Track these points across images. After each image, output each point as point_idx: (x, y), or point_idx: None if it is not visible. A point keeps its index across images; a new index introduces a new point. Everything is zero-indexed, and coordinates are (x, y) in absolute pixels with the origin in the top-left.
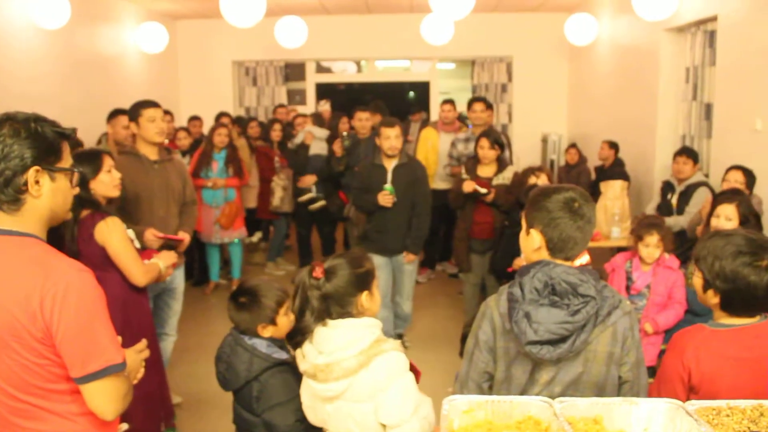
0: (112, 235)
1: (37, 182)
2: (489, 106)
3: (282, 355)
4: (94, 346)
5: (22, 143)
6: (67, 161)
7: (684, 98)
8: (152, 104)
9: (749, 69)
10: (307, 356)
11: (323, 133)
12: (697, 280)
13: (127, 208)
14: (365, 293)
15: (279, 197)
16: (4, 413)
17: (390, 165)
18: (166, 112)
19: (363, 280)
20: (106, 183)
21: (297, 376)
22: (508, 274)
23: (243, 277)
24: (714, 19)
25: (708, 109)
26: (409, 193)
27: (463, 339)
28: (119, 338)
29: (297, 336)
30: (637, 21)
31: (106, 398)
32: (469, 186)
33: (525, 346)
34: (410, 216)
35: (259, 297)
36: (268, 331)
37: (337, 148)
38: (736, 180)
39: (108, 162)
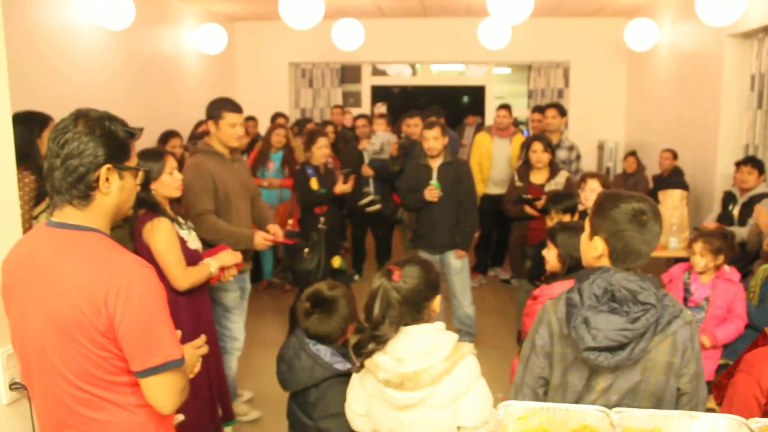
0: (156, 235)
1: (107, 180)
2: (562, 113)
3: (344, 366)
4: (155, 342)
5: (96, 141)
6: (133, 160)
7: (749, 106)
8: (235, 108)
9: None
10: (381, 365)
11: (393, 138)
12: None
13: (219, 210)
14: (438, 296)
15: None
16: (69, 402)
17: (435, 164)
18: (250, 118)
19: (436, 283)
20: (168, 184)
21: None
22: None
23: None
24: None
25: None
26: (455, 191)
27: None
28: (178, 332)
29: (369, 345)
30: (700, 26)
31: (165, 392)
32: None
33: (583, 353)
34: (456, 213)
35: (336, 304)
36: (341, 337)
37: (394, 148)
38: None
39: (171, 163)
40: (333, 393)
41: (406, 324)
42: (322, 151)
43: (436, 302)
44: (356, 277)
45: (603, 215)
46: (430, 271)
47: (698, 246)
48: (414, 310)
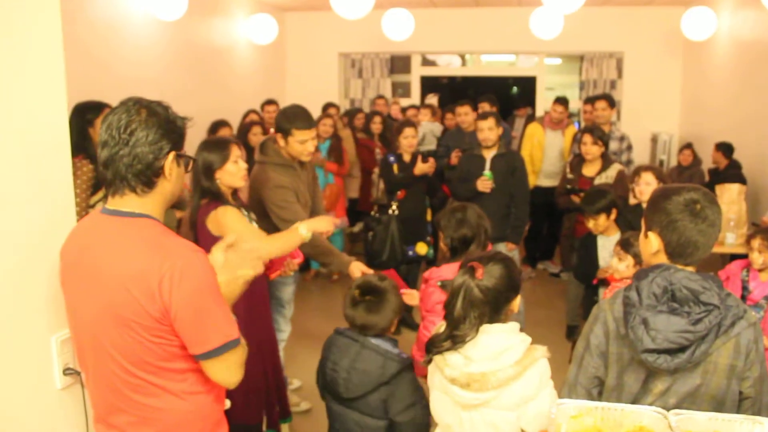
0: (226, 222)
1: (170, 167)
2: (612, 104)
3: (405, 355)
4: (212, 324)
5: (162, 130)
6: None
7: None
8: (306, 125)
9: None
10: (450, 361)
11: (438, 128)
12: None
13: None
14: (518, 297)
15: (380, 189)
16: (122, 388)
17: (488, 155)
18: (271, 102)
19: (518, 283)
20: (233, 173)
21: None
22: (594, 285)
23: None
24: None
25: None
26: (507, 183)
27: (568, 337)
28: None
29: (446, 342)
30: (763, 14)
31: (228, 371)
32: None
33: (641, 354)
34: (508, 206)
35: (386, 293)
36: (392, 326)
37: (455, 158)
38: None
39: (236, 152)
40: (405, 384)
41: (490, 322)
42: (408, 141)
43: (516, 302)
44: None
45: (656, 209)
46: (512, 269)
47: (756, 242)
48: (493, 310)
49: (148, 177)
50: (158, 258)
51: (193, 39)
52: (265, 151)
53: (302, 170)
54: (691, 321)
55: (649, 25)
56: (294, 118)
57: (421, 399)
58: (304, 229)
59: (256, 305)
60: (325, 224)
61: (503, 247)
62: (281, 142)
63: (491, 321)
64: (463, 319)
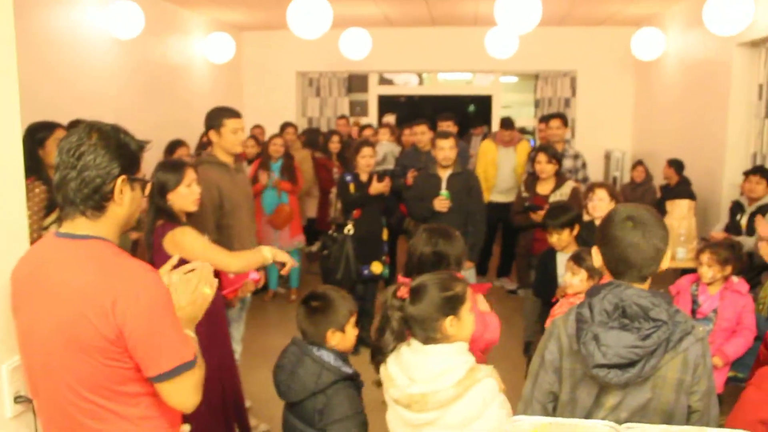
0: (185, 240)
1: (121, 191)
2: (566, 123)
3: (349, 370)
4: (167, 345)
5: (112, 153)
6: (141, 172)
7: (756, 115)
8: (235, 114)
9: None
10: (396, 382)
11: (397, 149)
12: None
13: (223, 221)
14: (450, 318)
15: (338, 208)
16: (75, 414)
17: (444, 174)
18: (257, 127)
19: (450, 305)
20: (185, 196)
21: (359, 392)
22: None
23: (302, 287)
24: None
25: None
26: (464, 202)
27: (525, 353)
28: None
29: (378, 355)
30: (708, 35)
31: (184, 394)
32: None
33: (592, 369)
34: (465, 224)
35: (332, 302)
36: (336, 338)
37: (410, 178)
38: None
39: (190, 175)
40: (340, 398)
41: (416, 338)
42: (365, 161)
43: (448, 323)
44: None
45: (600, 227)
46: (446, 290)
47: (705, 257)
48: (420, 328)
49: (96, 201)
50: (111, 279)
51: (150, 58)
52: (200, 156)
53: (237, 173)
54: (641, 336)
55: (602, 45)
56: (221, 111)
57: (356, 415)
58: (268, 253)
59: (215, 325)
60: (290, 259)
61: None
62: (215, 138)
63: (427, 341)
64: (382, 331)
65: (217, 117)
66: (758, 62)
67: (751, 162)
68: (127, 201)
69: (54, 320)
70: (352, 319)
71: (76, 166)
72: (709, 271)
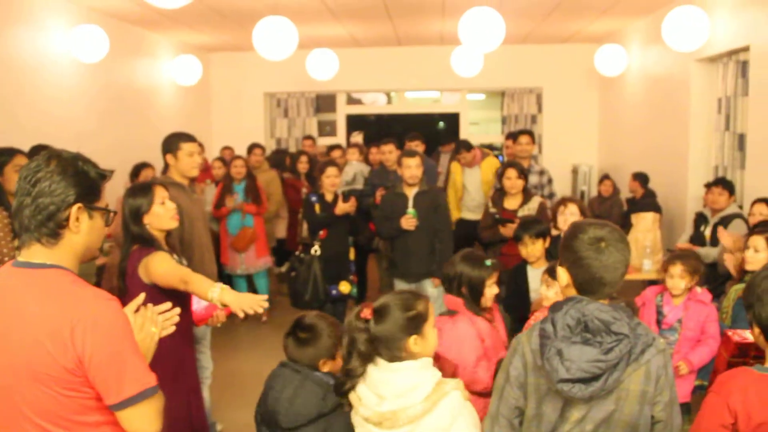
0: (157, 265)
1: (77, 219)
2: (534, 139)
3: None
4: (127, 372)
5: (68, 181)
6: (103, 201)
7: (716, 128)
8: (191, 138)
9: None
10: (365, 400)
11: (367, 169)
12: (755, 329)
13: (184, 240)
14: (413, 337)
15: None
16: None
17: (411, 193)
18: (227, 148)
19: (413, 324)
20: (161, 214)
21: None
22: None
23: (273, 308)
24: (746, 49)
25: (741, 140)
26: (431, 219)
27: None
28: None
29: (346, 383)
30: (668, 51)
31: (146, 420)
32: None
33: (556, 384)
34: (432, 242)
35: (320, 333)
36: (327, 366)
37: (378, 197)
38: (761, 213)
39: (161, 193)
40: (341, 421)
41: (381, 357)
42: (331, 180)
43: (411, 342)
44: None
45: (566, 246)
46: (408, 309)
47: (677, 269)
48: (385, 347)
49: (51, 228)
50: (69, 308)
51: (116, 80)
52: (156, 179)
53: (193, 193)
54: (603, 350)
55: (566, 62)
56: (177, 135)
57: None
58: (216, 294)
59: (183, 348)
60: (254, 304)
61: (429, 284)
62: (171, 161)
63: (392, 359)
64: (350, 355)
65: (173, 141)
66: (716, 77)
67: (713, 174)
68: (84, 229)
69: (11, 352)
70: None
71: (31, 192)
72: (681, 281)
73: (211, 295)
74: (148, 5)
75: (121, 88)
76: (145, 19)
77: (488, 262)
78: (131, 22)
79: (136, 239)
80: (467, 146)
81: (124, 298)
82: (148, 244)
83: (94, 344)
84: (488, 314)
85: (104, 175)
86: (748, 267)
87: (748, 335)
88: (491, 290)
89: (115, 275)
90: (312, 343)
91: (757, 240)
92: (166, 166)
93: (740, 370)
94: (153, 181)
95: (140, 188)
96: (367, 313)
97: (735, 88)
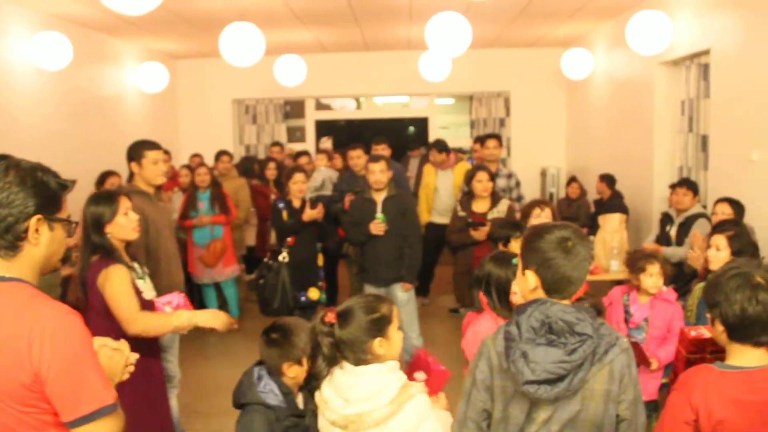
0: (110, 282)
1: (36, 230)
2: (501, 143)
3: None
4: (85, 388)
5: (27, 191)
6: (65, 212)
7: (680, 130)
8: (155, 146)
9: (743, 101)
10: (331, 404)
11: (335, 175)
12: (718, 327)
13: (150, 248)
14: (378, 339)
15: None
16: None
17: (379, 198)
18: (196, 155)
19: (377, 326)
20: (124, 225)
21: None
22: None
23: (244, 315)
24: (707, 52)
25: (704, 141)
26: (399, 224)
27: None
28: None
29: (312, 382)
30: (632, 55)
31: None
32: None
33: (522, 386)
34: (401, 246)
35: (291, 335)
36: (293, 371)
37: (347, 202)
38: (723, 212)
39: (125, 204)
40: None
41: (347, 361)
42: (298, 186)
43: (376, 344)
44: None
45: (531, 248)
46: (372, 312)
47: (656, 268)
48: (350, 351)
49: (9, 240)
50: (27, 322)
51: (80, 88)
52: (121, 187)
53: (158, 201)
54: (567, 351)
55: (533, 66)
56: (141, 143)
57: None
58: (186, 321)
59: (150, 366)
60: (220, 322)
61: (399, 288)
62: (136, 169)
63: (358, 362)
64: (315, 358)
65: (137, 149)
66: (679, 80)
67: (677, 175)
68: (44, 241)
69: None
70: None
71: None
72: (659, 280)
73: (177, 324)
74: (112, 12)
75: (86, 96)
76: (109, 26)
77: (515, 261)
78: (95, 28)
79: (97, 248)
80: (439, 146)
81: (86, 308)
82: (109, 254)
83: (52, 358)
84: None
85: (65, 186)
86: (711, 266)
87: (703, 331)
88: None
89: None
90: (280, 344)
91: (719, 239)
92: (132, 174)
93: (701, 367)
94: (117, 191)
95: (104, 196)
96: (331, 317)
97: (697, 91)
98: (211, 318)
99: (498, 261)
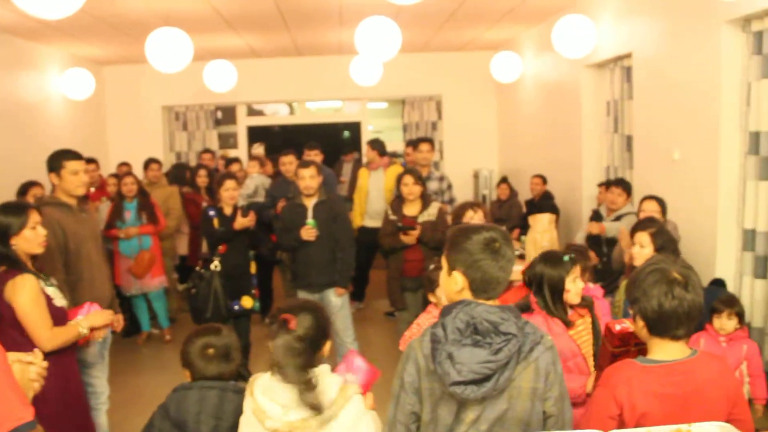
0: (19, 294)
1: None
2: (433, 147)
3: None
4: (2, 407)
5: None
6: None
7: (606, 131)
8: (75, 156)
9: (664, 102)
10: (270, 413)
11: (268, 181)
12: (639, 322)
13: (70, 261)
14: (329, 342)
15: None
16: None
17: (310, 203)
18: (91, 161)
19: (327, 328)
20: (30, 239)
21: None
22: None
23: (173, 325)
24: (629, 55)
25: (629, 141)
26: (331, 229)
27: None
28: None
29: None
30: (559, 58)
31: None
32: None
33: (449, 387)
34: (333, 251)
35: (231, 351)
36: None
37: (279, 208)
38: (652, 209)
39: (34, 218)
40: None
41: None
42: (229, 194)
43: (327, 347)
44: None
45: (457, 249)
46: (321, 317)
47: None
48: (310, 357)
49: None
50: None
51: None
52: (42, 198)
53: (81, 213)
54: (493, 351)
55: (464, 69)
56: (61, 153)
57: None
58: (83, 328)
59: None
60: (102, 319)
61: (333, 293)
62: (56, 181)
63: (308, 365)
64: (285, 369)
65: (56, 159)
66: (604, 82)
67: (605, 174)
68: None
69: None
70: None
71: None
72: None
73: (80, 330)
74: (31, 16)
75: (5, 103)
76: (29, 31)
77: (566, 258)
78: (14, 33)
79: (3, 259)
80: (374, 144)
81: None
82: (15, 265)
83: None
84: (576, 313)
85: None
86: (635, 263)
87: (628, 324)
88: (575, 285)
89: None
90: (224, 359)
91: (642, 236)
92: (54, 185)
93: (624, 362)
94: (27, 203)
95: (13, 207)
96: (293, 323)
97: (621, 92)
98: (99, 317)
99: (550, 261)
